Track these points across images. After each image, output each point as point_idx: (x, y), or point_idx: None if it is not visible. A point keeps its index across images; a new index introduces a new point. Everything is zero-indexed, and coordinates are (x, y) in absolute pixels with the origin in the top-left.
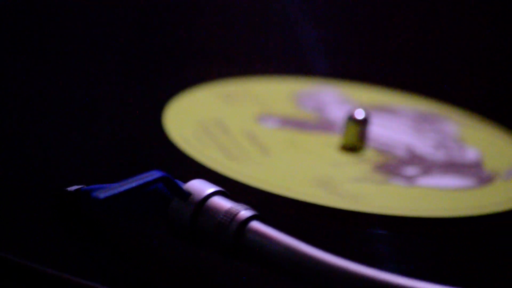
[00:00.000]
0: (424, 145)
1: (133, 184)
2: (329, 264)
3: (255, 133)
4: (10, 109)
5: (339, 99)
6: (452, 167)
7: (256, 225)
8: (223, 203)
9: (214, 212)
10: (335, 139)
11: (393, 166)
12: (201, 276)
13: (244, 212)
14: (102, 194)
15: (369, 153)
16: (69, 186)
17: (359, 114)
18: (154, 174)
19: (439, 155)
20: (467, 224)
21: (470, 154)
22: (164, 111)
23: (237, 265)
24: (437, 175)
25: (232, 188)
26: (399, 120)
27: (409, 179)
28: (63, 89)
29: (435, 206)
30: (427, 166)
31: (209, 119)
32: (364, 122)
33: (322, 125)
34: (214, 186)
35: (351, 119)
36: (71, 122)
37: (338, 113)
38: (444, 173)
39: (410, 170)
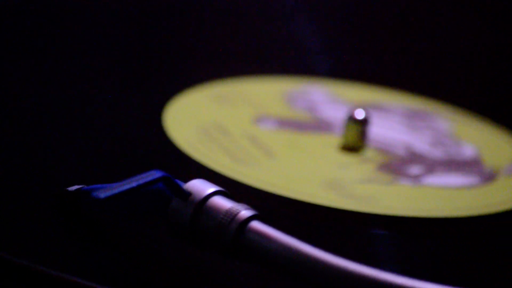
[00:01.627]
0: (421, 142)
1: (134, 184)
2: (329, 264)
3: (254, 134)
4: (10, 109)
5: (329, 98)
6: (453, 164)
7: (256, 225)
8: (223, 203)
9: (214, 212)
10: (335, 139)
11: (396, 165)
12: (201, 276)
13: (245, 212)
14: (102, 194)
15: (370, 153)
16: (69, 186)
17: (359, 114)
18: (154, 174)
19: (437, 153)
20: (473, 223)
21: (468, 150)
22: (164, 111)
23: (237, 265)
24: (441, 173)
25: (232, 188)
26: (392, 118)
27: (415, 178)
28: (63, 89)
29: (443, 206)
30: (430, 164)
31: (207, 120)
32: (364, 122)
33: (319, 126)
34: (215, 186)
35: (351, 119)
36: (72, 122)
37: (330, 113)
38: (447, 171)
39: (414, 169)
